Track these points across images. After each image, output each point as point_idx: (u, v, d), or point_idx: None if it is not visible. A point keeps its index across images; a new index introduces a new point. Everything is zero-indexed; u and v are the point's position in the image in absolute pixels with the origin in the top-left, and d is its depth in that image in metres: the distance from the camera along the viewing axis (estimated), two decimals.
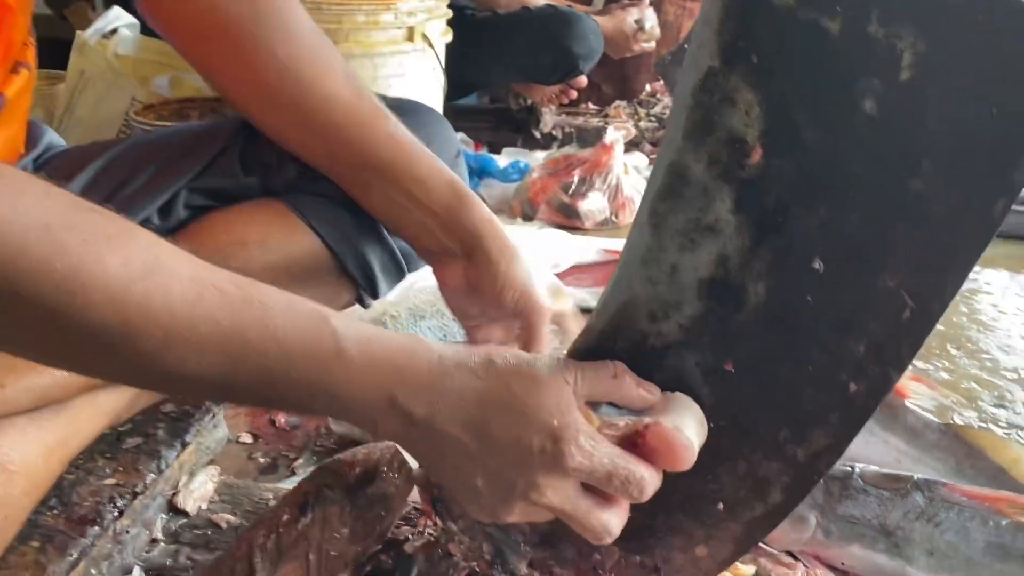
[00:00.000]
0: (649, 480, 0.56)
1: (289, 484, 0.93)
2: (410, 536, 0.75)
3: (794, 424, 0.62)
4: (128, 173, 0.86)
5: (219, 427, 0.95)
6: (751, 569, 0.88)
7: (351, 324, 0.54)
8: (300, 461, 1.08)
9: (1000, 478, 1.00)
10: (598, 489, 0.56)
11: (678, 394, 0.61)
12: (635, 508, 0.63)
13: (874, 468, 0.94)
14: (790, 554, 0.96)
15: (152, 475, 0.78)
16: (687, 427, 0.58)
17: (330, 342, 0.52)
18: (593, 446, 0.54)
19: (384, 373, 0.53)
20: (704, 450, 0.62)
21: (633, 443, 0.57)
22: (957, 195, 0.53)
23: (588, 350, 0.63)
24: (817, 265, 0.56)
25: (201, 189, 0.87)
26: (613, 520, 0.57)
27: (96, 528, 0.72)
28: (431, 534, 0.73)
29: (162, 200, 0.84)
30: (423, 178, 0.81)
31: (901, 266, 0.55)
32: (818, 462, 0.63)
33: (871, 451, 1.04)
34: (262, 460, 1.08)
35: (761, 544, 0.96)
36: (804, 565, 0.92)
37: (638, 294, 0.61)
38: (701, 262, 0.58)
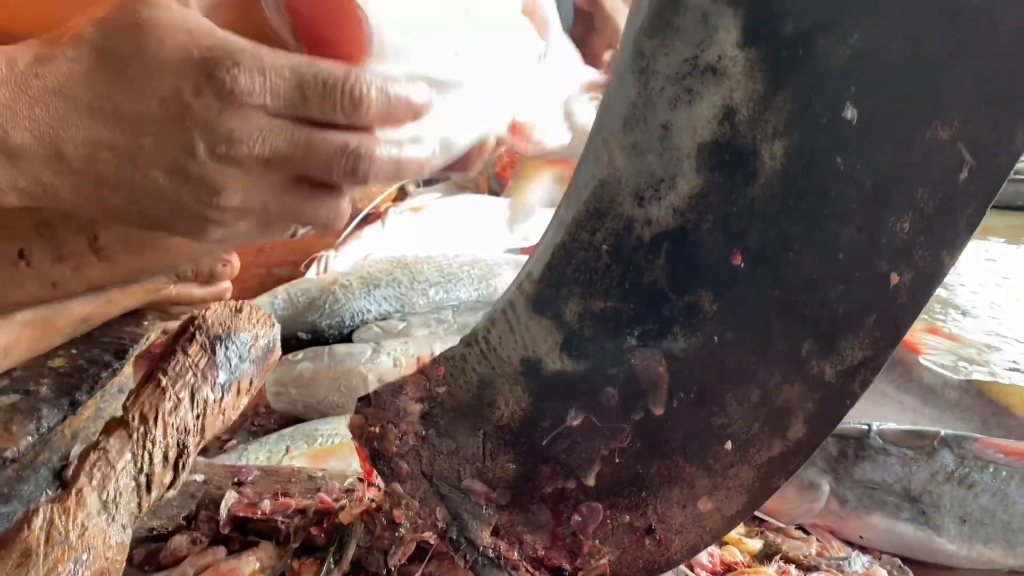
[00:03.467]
0: (359, 78, 0.42)
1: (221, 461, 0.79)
2: (346, 503, 0.61)
3: (820, 333, 0.49)
4: None
5: (126, 389, 0.79)
6: (758, 543, 0.75)
7: None
8: (233, 441, 0.93)
9: None
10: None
11: None
12: (623, 455, 0.54)
13: (893, 425, 0.82)
14: (800, 528, 0.83)
15: (30, 438, 0.64)
16: None
17: None
18: (258, 56, 0.41)
19: None
20: (708, 375, 0.50)
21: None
22: None
23: (559, 246, 0.50)
24: (849, 114, 0.44)
25: None
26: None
27: None
28: (371, 499, 0.59)
29: None
30: None
31: (957, 109, 0.43)
32: (851, 382, 0.50)
33: (884, 415, 0.92)
34: None
35: (766, 518, 0.83)
36: (817, 540, 0.78)
37: (620, 169, 0.48)
38: (700, 119, 0.46)
